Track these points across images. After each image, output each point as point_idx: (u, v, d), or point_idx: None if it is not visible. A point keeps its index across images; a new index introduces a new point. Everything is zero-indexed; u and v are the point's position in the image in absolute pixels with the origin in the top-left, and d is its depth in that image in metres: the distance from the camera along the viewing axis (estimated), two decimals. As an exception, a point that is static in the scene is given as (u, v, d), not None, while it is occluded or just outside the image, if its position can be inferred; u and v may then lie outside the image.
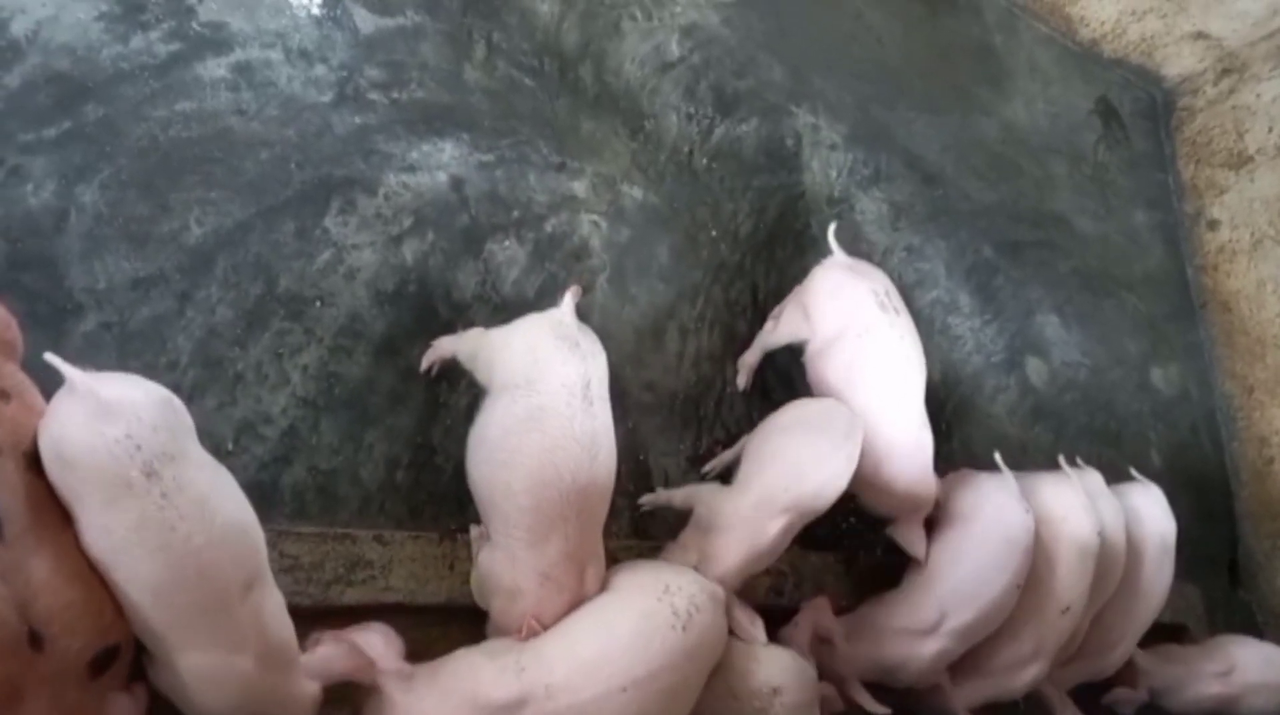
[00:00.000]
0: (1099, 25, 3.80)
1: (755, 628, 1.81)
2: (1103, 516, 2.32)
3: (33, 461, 1.27)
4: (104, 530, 1.29)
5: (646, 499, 2.10)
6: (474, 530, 1.75)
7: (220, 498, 1.38)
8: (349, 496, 1.80)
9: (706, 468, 2.22)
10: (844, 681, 2.04)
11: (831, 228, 2.37)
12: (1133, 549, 2.44)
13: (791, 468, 1.90)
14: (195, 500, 1.33)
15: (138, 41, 1.83)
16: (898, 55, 3.24)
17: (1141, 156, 3.94)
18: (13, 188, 1.64)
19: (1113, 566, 2.35)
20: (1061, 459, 2.48)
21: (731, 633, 1.80)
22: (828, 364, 2.18)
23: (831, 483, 1.90)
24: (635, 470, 2.19)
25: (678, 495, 2.05)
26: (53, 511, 1.28)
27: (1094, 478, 2.49)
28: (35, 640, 1.24)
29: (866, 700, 2.02)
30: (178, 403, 1.39)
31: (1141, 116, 4.01)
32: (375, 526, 1.79)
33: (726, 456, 2.20)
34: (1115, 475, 3.01)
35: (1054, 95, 3.72)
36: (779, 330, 2.33)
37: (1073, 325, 3.29)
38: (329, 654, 1.49)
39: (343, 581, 1.69)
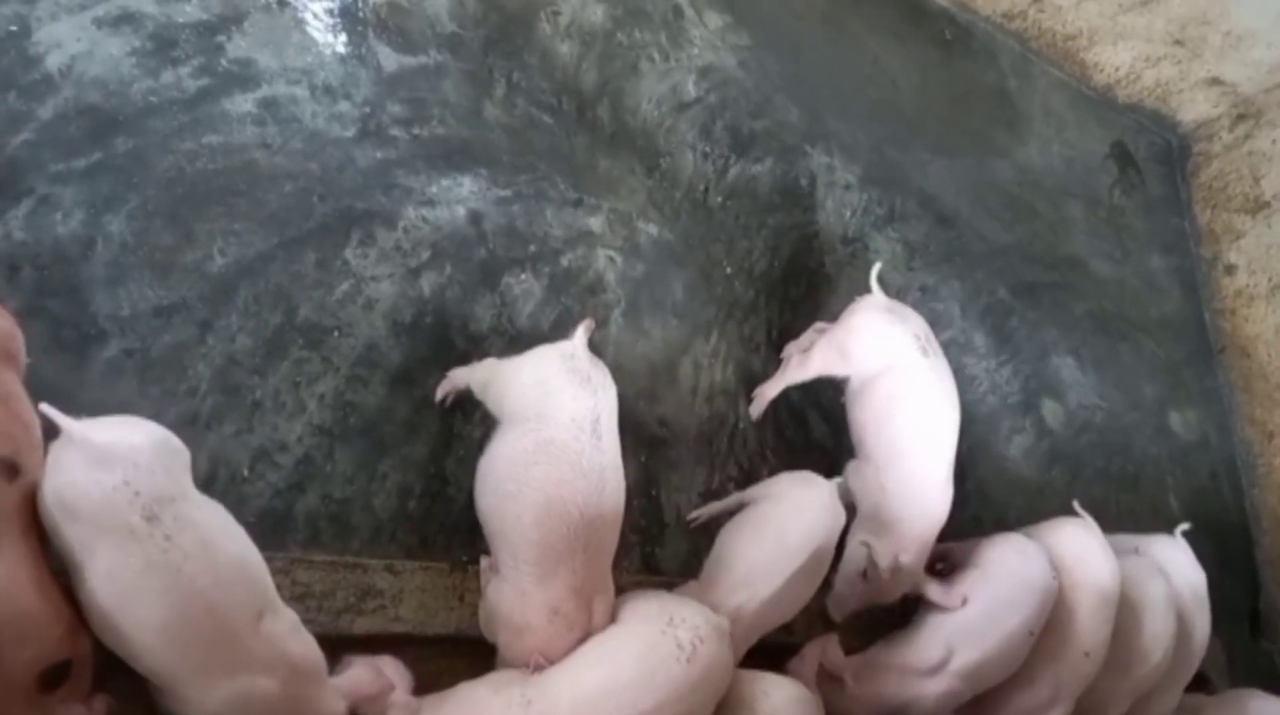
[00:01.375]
0: (1113, 71, 3.83)
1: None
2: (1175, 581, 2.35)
3: (6, 468, 1.27)
4: (109, 577, 1.29)
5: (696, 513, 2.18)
6: (484, 561, 1.75)
7: (222, 535, 1.39)
8: (361, 525, 1.80)
9: (692, 516, 2.21)
10: None
11: (875, 268, 2.37)
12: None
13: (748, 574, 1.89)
14: (198, 540, 1.34)
15: (168, 76, 1.88)
16: (913, 99, 3.28)
17: (1157, 201, 3.95)
18: (42, 216, 1.68)
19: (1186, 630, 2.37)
20: (1077, 504, 2.45)
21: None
22: (866, 401, 2.21)
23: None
24: (648, 506, 2.18)
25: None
26: (17, 521, 1.28)
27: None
28: None
29: None
30: (175, 442, 1.40)
31: (1157, 161, 4.03)
32: (386, 556, 1.79)
33: (714, 509, 2.19)
34: (1134, 520, 2.99)
35: (1069, 139, 3.75)
36: (809, 365, 2.33)
37: (1089, 368, 3.28)
38: (358, 675, 1.50)
39: (353, 610, 1.69)
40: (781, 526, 1.92)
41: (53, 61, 1.77)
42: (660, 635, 1.63)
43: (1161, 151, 4.07)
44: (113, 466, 1.30)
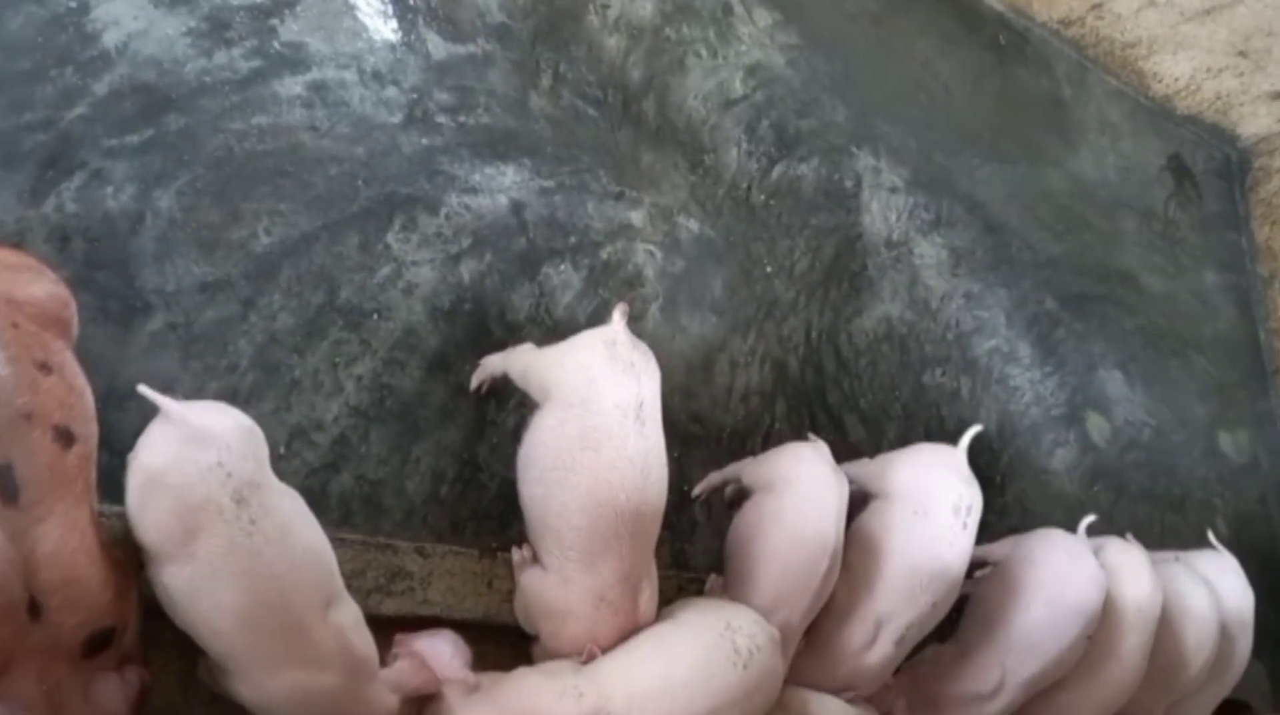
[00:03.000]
0: (1173, 82, 3.75)
1: None
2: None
3: (60, 435, 1.28)
4: (192, 556, 1.31)
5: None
6: (516, 553, 1.74)
7: (299, 524, 1.42)
8: (393, 507, 1.81)
9: (695, 493, 2.16)
10: None
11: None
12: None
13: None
14: (278, 527, 1.36)
15: (220, 57, 1.90)
16: (964, 104, 3.23)
17: (1214, 216, 3.85)
18: (94, 190, 1.71)
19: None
20: (1129, 536, 2.38)
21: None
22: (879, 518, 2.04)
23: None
24: (678, 502, 2.16)
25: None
26: (72, 487, 1.29)
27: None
28: (34, 609, 1.24)
29: None
30: (259, 432, 1.43)
31: (1215, 175, 3.93)
32: (417, 539, 1.79)
33: (714, 480, 2.14)
34: (1178, 542, 2.90)
35: (1124, 150, 3.67)
36: (858, 470, 2.13)
37: (1137, 383, 3.20)
38: (405, 668, 1.50)
39: (382, 591, 1.70)
40: (796, 535, 1.84)
41: (109, 39, 1.80)
42: (717, 639, 1.62)
43: (1220, 165, 3.97)
44: (208, 447, 1.32)
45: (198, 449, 1.32)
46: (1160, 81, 3.75)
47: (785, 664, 1.76)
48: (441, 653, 1.53)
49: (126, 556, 1.38)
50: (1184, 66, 3.66)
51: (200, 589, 1.32)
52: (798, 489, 1.90)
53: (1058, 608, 2.01)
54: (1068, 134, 3.51)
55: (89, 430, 1.33)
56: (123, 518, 1.43)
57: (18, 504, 1.23)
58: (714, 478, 2.16)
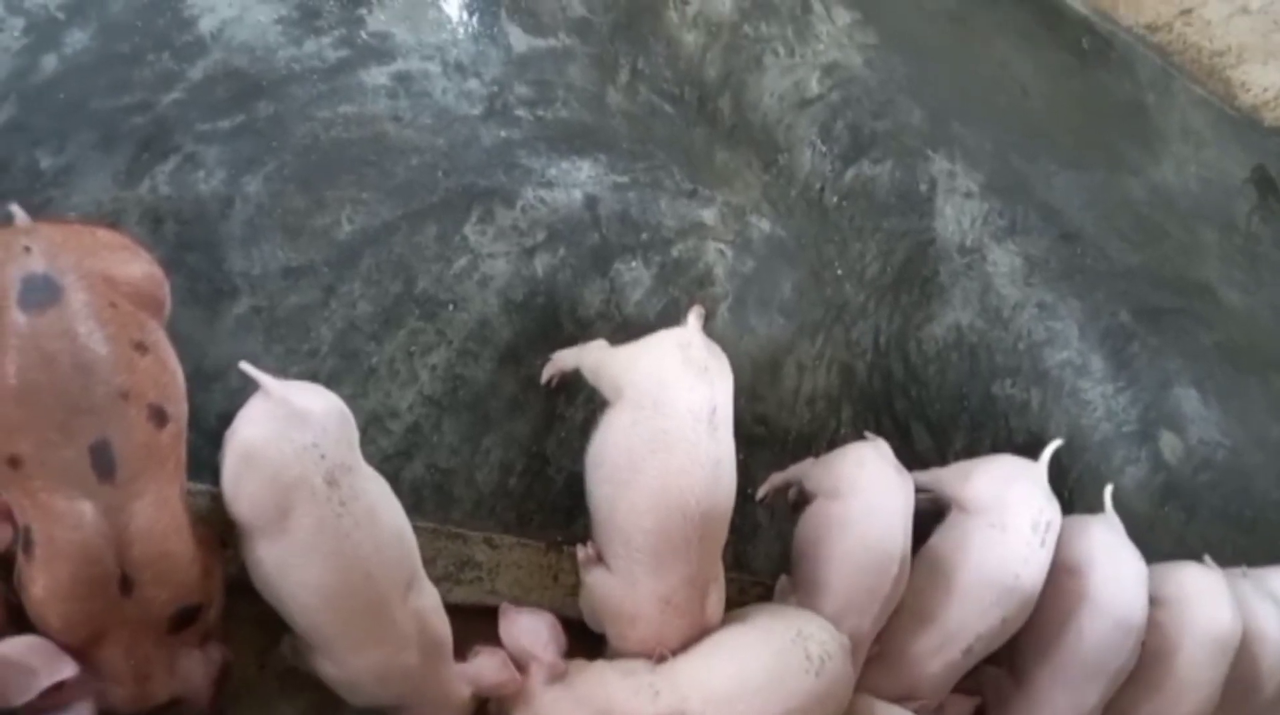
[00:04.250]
0: (1261, 92, 3.62)
1: None
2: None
3: (155, 414, 1.31)
4: (283, 532, 1.35)
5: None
6: (581, 551, 1.74)
7: (385, 508, 1.45)
8: (463, 497, 1.82)
9: (760, 494, 2.15)
10: None
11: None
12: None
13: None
14: (366, 509, 1.39)
15: (310, 45, 1.93)
16: (1043, 107, 3.15)
17: (1298, 231, 3.71)
18: (187, 173, 1.75)
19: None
20: (1207, 559, 2.31)
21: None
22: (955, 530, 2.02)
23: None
24: (742, 504, 2.13)
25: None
26: (164, 465, 1.33)
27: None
28: (125, 584, 1.28)
29: None
30: (351, 416, 1.46)
31: (1301, 189, 3.79)
32: (485, 529, 1.81)
33: (776, 481, 2.13)
34: (1249, 565, 2.81)
35: (1207, 159, 3.55)
36: (936, 477, 2.14)
37: (1213, 402, 3.10)
38: (486, 665, 1.53)
39: (451, 580, 1.72)
40: (864, 542, 1.84)
41: (205, 25, 1.84)
42: (790, 645, 1.62)
43: (1307, 179, 3.82)
44: (305, 427, 1.36)
45: (295, 428, 1.35)
46: (1248, 91, 3.63)
47: (855, 671, 1.74)
48: (540, 634, 1.56)
49: (212, 534, 1.42)
50: (1274, 76, 3.54)
51: (289, 566, 1.35)
52: (863, 495, 1.88)
53: (1109, 623, 1.96)
54: (1149, 142, 3.41)
55: (181, 409, 1.36)
56: (207, 495, 1.47)
57: (114, 480, 1.26)
58: (776, 479, 2.15)
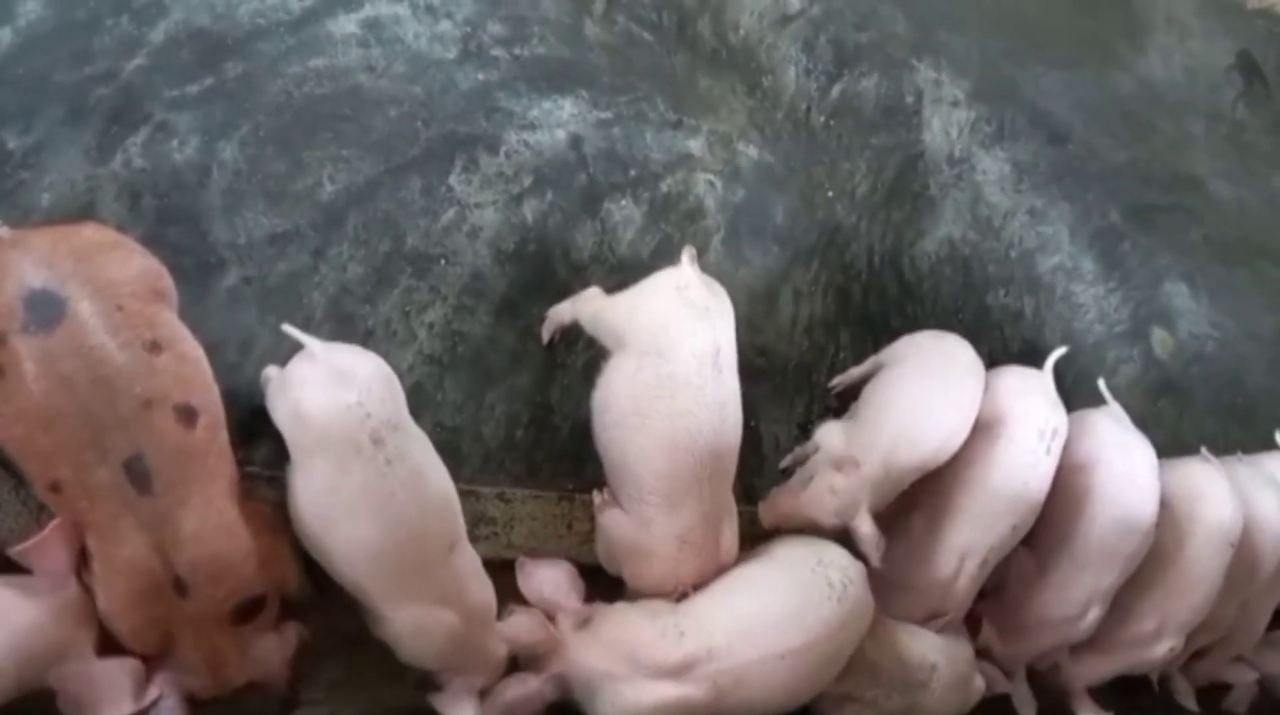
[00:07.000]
0: (1247, -28, 3.53)
1: None
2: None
3: (184, 414, 1.30)
4: (329, 490, 1.36)
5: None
6: (596, 497, 1.76)
7: (431, 469, 1.45)
8: (472, 454, 1.83)
9: (833, 383, 2.25)
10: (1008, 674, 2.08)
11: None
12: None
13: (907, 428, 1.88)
14: (412, 469, 1.40)
15: (272, -3, 1.85)
16: (1031, 6, 3.07)
17: (1286, 116, 3.67)
18: (160, 143, 1.69)
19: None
20: (1205, 451, 2.35)
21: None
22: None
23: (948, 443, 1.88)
24: (746, 437, 2.15)
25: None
26: (204, 463, 1.32)
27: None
28: (180, 586, 1.30)
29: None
30: (396, 378, 1.46)
31: (1288, 72, 3.73)
32: (496, 484, 1.82)
33: (853, 375, 2.20)
34: (1246, 454, 2.87)
35: (1192, 48, 3.48)
36: None
37: (1203, 295, 3.12)
38: (523, 623, 1.56)
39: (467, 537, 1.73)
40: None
41: (161, -17, 1.76)
42: (811, 574, 1.66)
43: (1293, 61, 3.76)
44: (350, 386, 1.36)
45: (339, 387, 1.35)
46: (1234, -27, 3.54)
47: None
48: (561, 584, 1.60)
49: (275, 515, 1.42)
50: (1260, -45, 3.45)
51: (335, 521, 1.37)
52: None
53: (1122, 512, 2.00)
54: (1135, 34, 3.34)
55: (210, 397, 1.35)
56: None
57: (152, 492, 1.26)
58: (853, 372, 2.22)
